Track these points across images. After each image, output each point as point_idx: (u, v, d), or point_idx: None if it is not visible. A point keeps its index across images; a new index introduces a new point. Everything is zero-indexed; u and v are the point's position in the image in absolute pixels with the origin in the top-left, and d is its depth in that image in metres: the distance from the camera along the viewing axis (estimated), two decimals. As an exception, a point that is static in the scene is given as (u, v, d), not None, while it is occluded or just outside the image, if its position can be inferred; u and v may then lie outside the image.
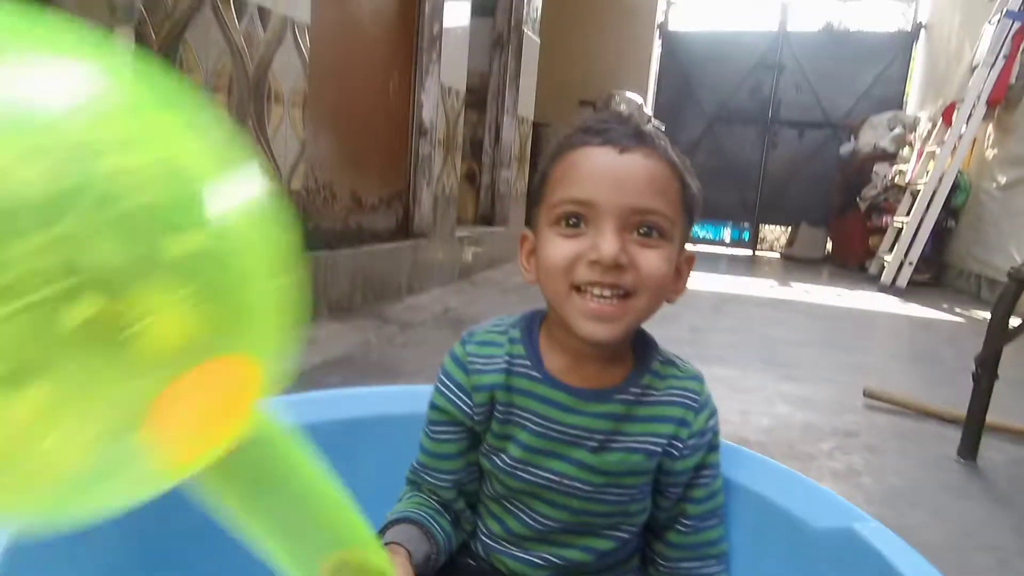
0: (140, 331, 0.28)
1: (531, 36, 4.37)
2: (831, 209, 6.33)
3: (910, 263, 4.45)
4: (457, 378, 0.70)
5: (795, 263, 6.36)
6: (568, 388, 0.67)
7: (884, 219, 5.34)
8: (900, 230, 4.72)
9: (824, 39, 7.02)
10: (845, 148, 6.21)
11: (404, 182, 3.14)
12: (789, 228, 7.08)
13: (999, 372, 1.59)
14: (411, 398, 0.85)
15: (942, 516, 1.34)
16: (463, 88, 3.46)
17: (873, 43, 6.89)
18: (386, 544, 0.64)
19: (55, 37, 0.30)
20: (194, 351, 0.31)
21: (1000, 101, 4.38)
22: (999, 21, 4.33)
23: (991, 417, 1.63)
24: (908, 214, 4.71)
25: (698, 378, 0.71)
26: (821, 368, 2.42)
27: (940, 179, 4.48)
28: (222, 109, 1.93)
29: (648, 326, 0.70)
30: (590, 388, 0.67)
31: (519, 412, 0.68)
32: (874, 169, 5.58)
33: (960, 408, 1.70)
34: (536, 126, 4.90)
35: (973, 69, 4.54)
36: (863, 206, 5.58)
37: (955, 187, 4.61)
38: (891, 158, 5.62)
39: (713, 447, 0.70)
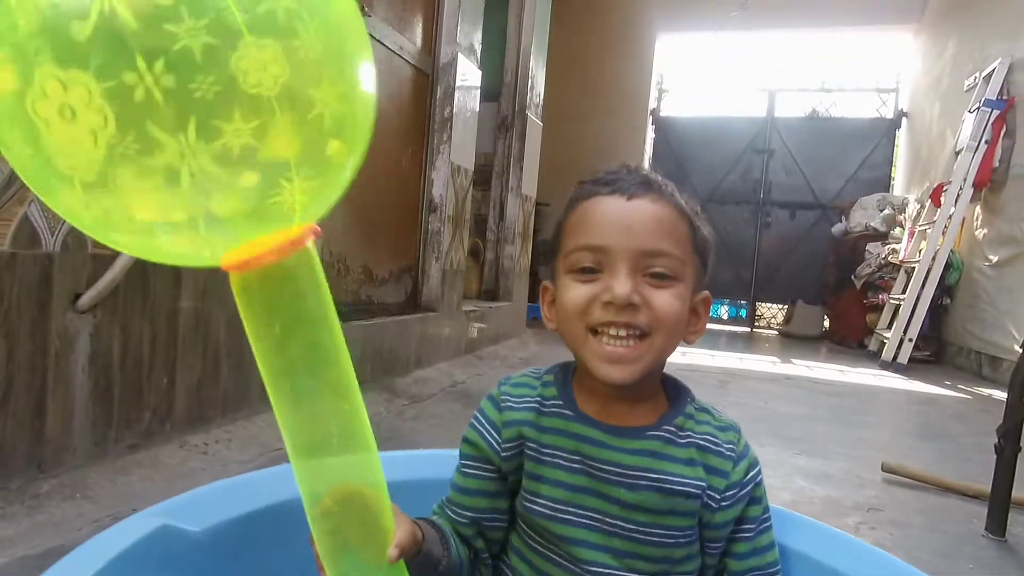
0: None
1: (534, 120, 4.56)
2: (827, 287, 6.43)
3: (910, 339, 4.49)
4: (490, 415, 0.72)
5: (793, 340, 6.39)
6: (599, 424, 0.68)
7: (880, 296, 5.41)
8: (897, 307, 4.78)
9: (810, 125, 7.32)
10: (837, 228, 6.37)
11: (414, 256, 3.19)
12: (785, 306, 7.15)
13: (1021, 447, 1.58)
14: (432, 463, 0.86)
15: (980, 594, 1.31)
16: (471, 167, 3.57)
17: (857, 129, 7.19)
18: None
19: None
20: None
21: (986, 183, 4.54)
22: (979, 109, 4.56)
23: (1016, 493, 1.61)
24: (904, 292, 4.79)
25: (735, 428, 0.71)
26: (832, 443, 2.40)
27: (933, 258, 4.58)
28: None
29: None
30: (622, 426, 0.68)
31: (551, 450, 0.68)
32: (867, 248, 5.70)
33: (978, 483, 1.68)
34: (537, 205, 5.03)
35: (957, 153, 4.74)
36: (859, 284, 5.67)
37: (948, 265, 4.71)
38: (883, 237, 5.75)
39: (755, 500, 0.69)
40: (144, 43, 0.37)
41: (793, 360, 4.81)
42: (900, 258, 5.31)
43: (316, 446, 0.50)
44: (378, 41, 2.72)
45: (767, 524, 0.70)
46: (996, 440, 1.59)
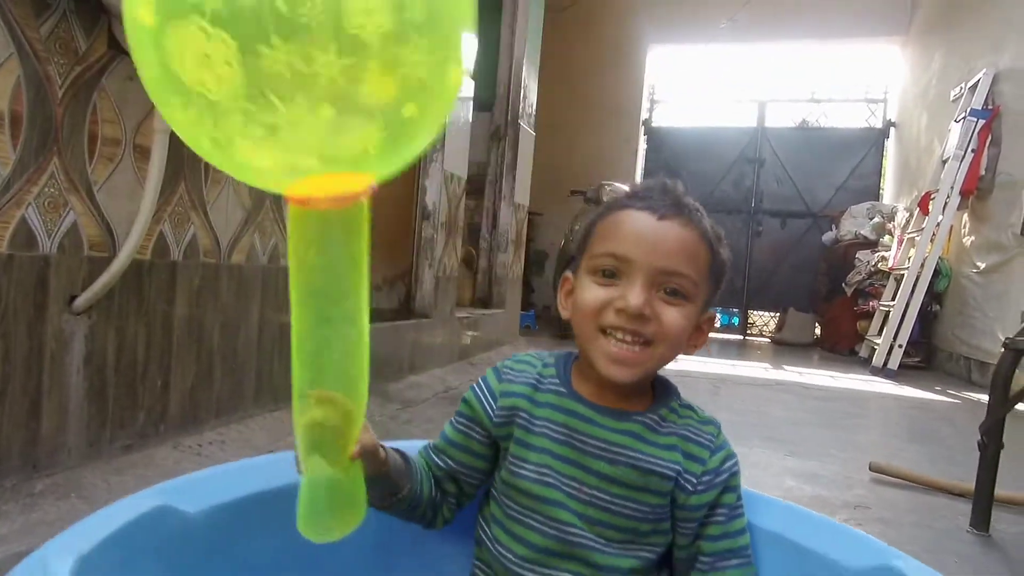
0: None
1: (527, 129, 4.60)
2: (818, 295, 6.47)
3: (900, 346, 4.53)
4: (490, 382, 0.78)
5: (785, 347, 6.43)
6: (591, 403, 0.73)
7: (871, 303, 5.46)
8: (887, 314, 4.83)
9: (801, 135, 7.41)
10: (827, 236, 6.43)
11: (407, 263, 3.21)
12: (777, 313, 7.20)
13: (1004, 444, 1.61)
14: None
15: (964, 586, 1.33)
16: (465, 175, 3.60)
17: (847, 139, 7.27)
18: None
19: None
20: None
21: (972, 191, 4.60)
22: (965, 119, 4.63)
23: (999, 490, 1.64)
24: (894, 298, 4.83)
25: (715, 423, 0.77)
26: (822, 445, 2.43)
27: (922, 265, 4.63)
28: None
29: None
30: (612, 407, 0.73)
31: (541, 421, 0.74)
32: (857, 256, 5.76)
33: (965, 483, 1.71)
34: (530, 214, 5.06)
35: (944, 162, 4.80)
36: (849, 291, 5.71)
37: (937, 272, 4.76)
38: (872, 245, 5.81)
39: (729, 488, 0.74)
40: None
41: (785, 367, 4.85)
42: (890, 265, 5.36)
43: (317, 353, 0.56)
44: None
45: (739, 512, 0.75)
46: (979, 438, 1.61)
